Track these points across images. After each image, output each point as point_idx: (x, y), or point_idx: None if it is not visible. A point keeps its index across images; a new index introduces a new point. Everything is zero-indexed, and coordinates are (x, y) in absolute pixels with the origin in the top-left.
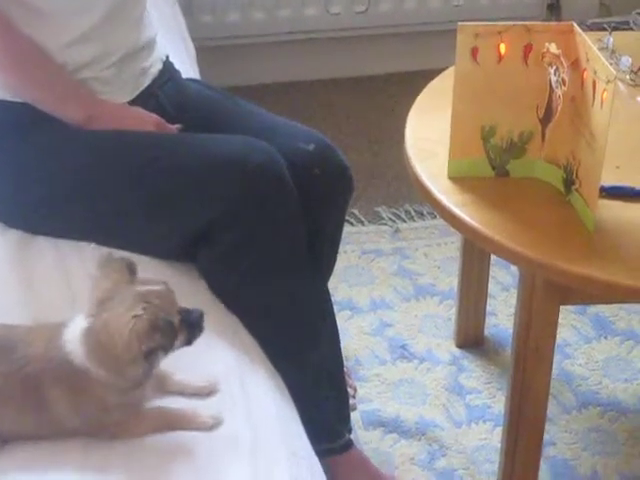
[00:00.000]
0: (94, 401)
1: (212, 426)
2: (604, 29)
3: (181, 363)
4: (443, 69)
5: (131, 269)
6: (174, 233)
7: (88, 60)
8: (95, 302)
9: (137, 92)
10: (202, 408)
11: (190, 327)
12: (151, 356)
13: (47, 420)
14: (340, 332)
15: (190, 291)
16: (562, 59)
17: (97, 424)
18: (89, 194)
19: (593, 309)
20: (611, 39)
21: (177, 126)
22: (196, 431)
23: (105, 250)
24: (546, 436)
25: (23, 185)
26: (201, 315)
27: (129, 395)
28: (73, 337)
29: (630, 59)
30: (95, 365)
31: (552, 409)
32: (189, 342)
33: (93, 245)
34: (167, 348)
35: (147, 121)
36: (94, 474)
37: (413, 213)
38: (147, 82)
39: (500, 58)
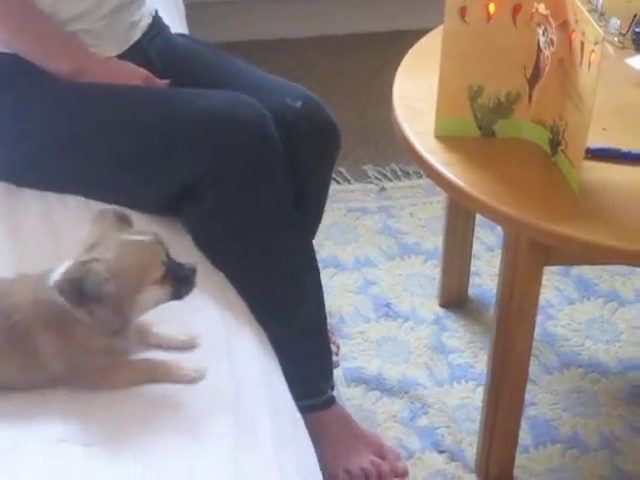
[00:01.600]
0: (77, 343)
1: (195, 379)
2: None
3: (166, 317)
4: (431, 29)
5: (124, 219)
6: (160, 187)
7: (79, 12)
8: (83, 248)
9: (127, 46)
10: (184, 361)
11: (178, 281)
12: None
13: (34, 367)
14: (324, 289)
15: (176, 246)
16: (551, 20)
17: (80, 369)
18: (75, 146)
19: (576, 270)
20: (600, 1)
21: (165, 81)
22: (179, 384)
23: (91, 203)
24: (527, 396)
25: (10, 136)
26: (193, 270)
27: (112, 342)
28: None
29: (619, 21)
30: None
31: (534, 370)
32: (177, 296)
33: (79, 197)
34: (72, 300)
35: (136, 75)
36: (77, 423)
37: (399, 172)
38: (137, 36)
39: (489, 18)
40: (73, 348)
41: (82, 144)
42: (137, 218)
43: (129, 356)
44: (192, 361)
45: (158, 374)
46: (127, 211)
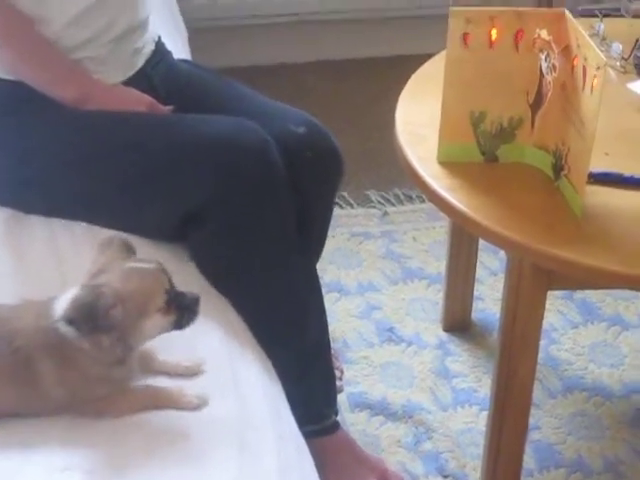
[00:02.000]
0: (78, 371)
1: (197, 406)
2: (595, 15)
3: (170, 344)
4: (434, 54)
5: (128, 247)
6: (164, 213)
7: (84, 39)
8: (88, 275)
9: (131, 72)
10: (188, 388)
11: (181, 310)
12: (75, 328)
13: (35, 394)
14: (328, 314)
15: (180, 272)
16: (553, 45)
17: (81, 397)
18: (80, 173)
19: (580, 294)
20: (602, 26)
21: (169, 107)
22: (181, 410)
23: (95, 229)
24: (531, 420)
25: (15, 163)
26: (196, 300)
27: (113, 370)
28: (61, 307)
29: (621, 46)
30: (77, 334)
31: (538, 394)
32: (179, 326)
33: (84, 224)
34: (83, 328)
35: (140, 102)
36: (79, 451)
37: (402, 197)
38: (141, 63)
39: (491, 44)
40: (74, 376)
41: (86, 170)
42: (141, 244)
43: (131, 384)
44: (196, 387)
45: (161, 401)
46: (131, 237)
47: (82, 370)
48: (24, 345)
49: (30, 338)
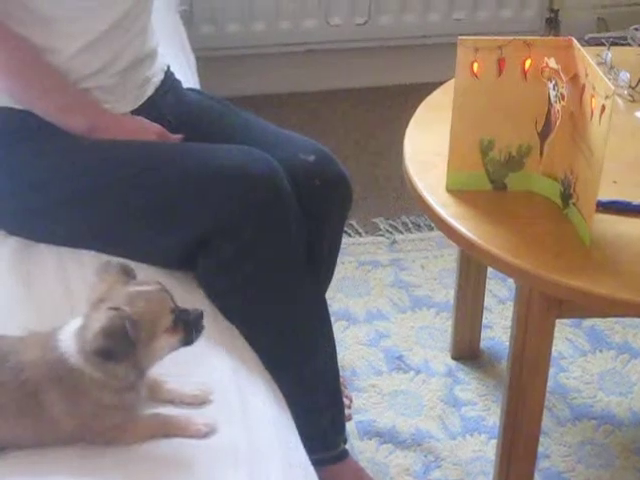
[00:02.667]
0: (89, 401)
1: (206, 434)
2: (602, 44)
3: (178, 371)
4: (442, 82)
5: (128, 272)
6: (173, 242)
7: (93, 69)
8: (90, 303)
9: (140, 102)
10: (197, 416)
11: (187, 326)
12: (108, 357)
13: (44, 425)
14: (336, 342)
15: (188, 300)
16: (561, 74)
17: (92, 427)
18: (90, 202)
19: (588, 322)
20: (609, 54)
21: (179, 136)
22: (190, 438)
23: (104, 258)
24: (540, 448)
25: (25, 192)
26: (200, 315)
27: (124, 397)
28: (67, 337)
29: (628, 74)
30: (88, 364)
31: (547, 422)
32: (188, 342)
33: (93, 253)
34: (120, 353)
35: (150, 131)
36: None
37: (410, 225)
38: (150, 92)
39: (500, 72)
40: (85, 406)
41: (95, 199)
42: (150, 272)
43: (139, 412)
44: (204, 415)
45: (170, 429)
46: (140, 265)
47: (93, 400)
48: (32, 377)
49: (38, 370)
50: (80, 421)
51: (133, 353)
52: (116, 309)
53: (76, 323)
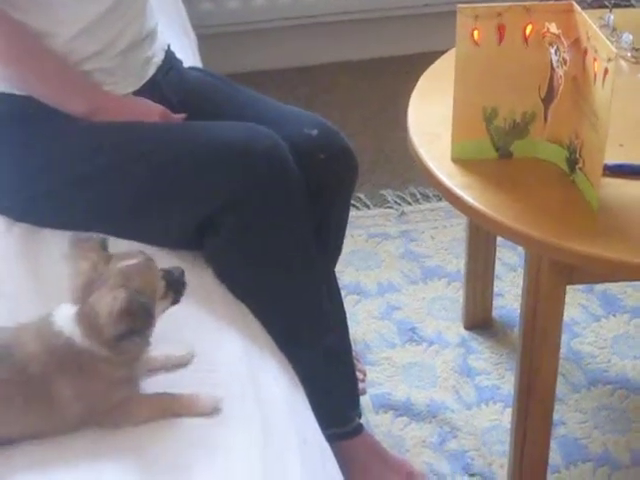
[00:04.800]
0: (100, 379)
1: (212, 411)
2: (604, 6)
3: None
4: (444, 51)
5: (105, 245)
6: (179, 221)
7: (93, 51)
8: (78, 287)
9: (142, 82)
10: (202, 394)
11: (174, 286)
12: (124, 339)
13: (52, 415)
14: (348, 316)
15: (197, 280)
16: (562, 38)
17: (100, 408)
18: (93, 185)
19: (601, 287)
20: (611, 16)
21: (181, 115)
22: (196, 417)
23: (120, 244)
24: (556, 415)
25: (28, 178)
26: (182, 272)
27: (132, 368)
28: (67, 322)
29: (631, 36)
30: (95, 343)
31: (561, 388)
32: (176, 301)
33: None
34: (142, 333)
35: (152, 111)
36: (107, 464)
37: (418, 196)
38: (151, 72)
39: (500, 39)
40: (94, 387)
41: (99, 181)
42: (156, 253)
43: (142, 385)
44: (216, 393)
45: (176, 408)
46: (146, 246)
47: (104, 377)
48: (38, 370)
49: (45, 361)
50: (88, 404)
51: (152, 325)
52: (123, 287)
53: (69, 309)
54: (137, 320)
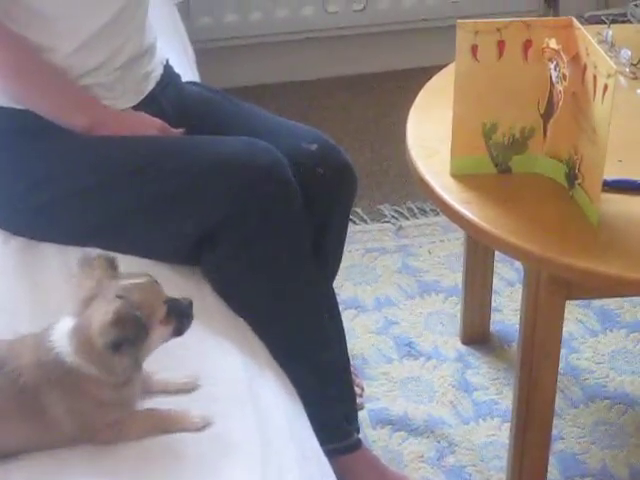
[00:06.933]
0: (88, 400)
1: (202, 427)
2: (602, 22)
3: (187, 367)
4: (443, 66)
5: (113, 264)
6: (178, 236)
7: (92, 66)
8: (80, 301)
9: (141, 97)
10: (192, 409)
11: (179, 316)
12: (119, 350)
13: (46, 428)
14: (346, 331)
15: (195, 294)
16: (562, 54)
17: (92, 426)
18: (92, 199)
19: (598, 302)
20: (610, 32)
21: (180, 130)
22: (185, 432)
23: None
24: (554, 431)
25: (27, 191)
26: (190, 304)
27: (122, 392)
28: (61, 337)
29: (629, 51)
30: (85, 362)
31: (559, 403)
32: (179, 332)
33: (98, 251)
34: (134, 341)
35: (151, 126)
36: (106, 479)
37: (416, 210)
38: (150, 87)
39: (500, 55)
40: (84, 405)
41: (98, 195)
42: (152, 268)
43: (136, 406)
44: (215, 408)
45: (167, 424)
46: (145, 261)
47: (92, 398)
48: (30, 381)
49: (35, 373)
50: (81, 421)
51: (144, 339)
52: (121, 298)
53: (67, 323)
54: (127, 329)
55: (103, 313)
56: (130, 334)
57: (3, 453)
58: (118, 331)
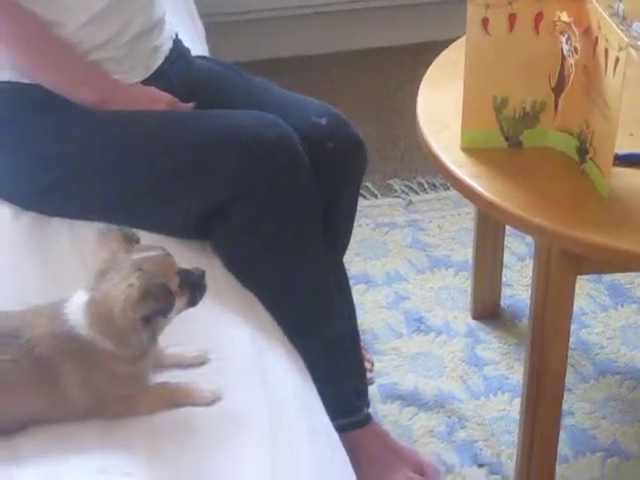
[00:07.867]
0: (103, 373)
1: (212, 401)
2: None
3: (197, 340)
4: (454, 40)
5: (130, 238)
6: (188, 211)
7: (101, 41)
8: (94, 274)
9: (150, 72)
10: (202, 383)
11: (192, 287)
12: (150, 322)
13: (60, 400)
14: (356, 306)
15: (206, 269)
16: (573, 27)
17: (105, 399)
18: (102, 173)
19: (609, 277)
20: (621, 5)
21: (190, 105)
22: (196, 406)
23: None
24: (565, 406)
25: (37, 166)
26: (202, 274)
27: (137, 365)
28: (76, 310)
29: None
30: (100, 336)
31: (570, 378)
32: (193, 303)
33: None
34: (165, 311)
35: (161, 100)
36: (115, 453)
37: (426, 185)
38: (159, 61)
39: (511, 28)
40: (98, 379)
41: (108, 171)
42: (162, 242)
43: (149, 380)
44: (225, 382)
45: (178, 398)
46: (155, 235)
47: (107, 371)
48: (45, 352)
49: (50, 344)
50: (94, 393)
51: (172, 308)
52: (136, 274)
53: (82, 296)
54: (158, 300)
55: (125, 287)
56: (162, 305)
57: (17, 423)
58: (149, 304)
